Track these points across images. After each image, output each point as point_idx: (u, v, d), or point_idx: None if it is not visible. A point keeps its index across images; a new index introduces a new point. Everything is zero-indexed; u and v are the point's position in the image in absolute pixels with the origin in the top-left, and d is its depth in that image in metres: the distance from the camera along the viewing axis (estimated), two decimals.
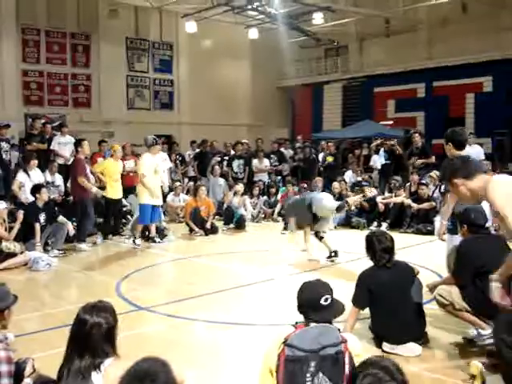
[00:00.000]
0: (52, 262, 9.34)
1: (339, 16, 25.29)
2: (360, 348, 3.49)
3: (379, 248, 5.17)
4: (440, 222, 4.08)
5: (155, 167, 11.22)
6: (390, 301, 4.97)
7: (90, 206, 11.08)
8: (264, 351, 3.49)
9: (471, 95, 22.55)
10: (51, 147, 13.95)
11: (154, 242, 11.38)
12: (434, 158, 13.72)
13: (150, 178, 11.09)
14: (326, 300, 3.50)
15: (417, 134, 14.28)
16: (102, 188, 11.60)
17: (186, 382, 3.32)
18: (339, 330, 3.49)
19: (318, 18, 24.94)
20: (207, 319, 6.37)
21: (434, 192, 13.02)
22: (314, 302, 3.50)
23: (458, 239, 5.79)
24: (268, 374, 3.36)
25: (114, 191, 11.64)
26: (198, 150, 17.77)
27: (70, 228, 10.59)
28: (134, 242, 11.14)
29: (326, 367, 3.22)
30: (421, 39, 24.80)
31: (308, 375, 3.21)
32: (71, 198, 12.37)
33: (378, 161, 16.48)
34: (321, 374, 3.21)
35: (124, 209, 12.98)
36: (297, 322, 3.52)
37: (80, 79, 23.39)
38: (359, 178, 16.07)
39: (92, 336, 3.11)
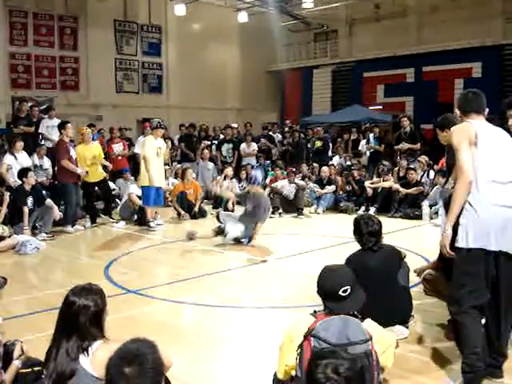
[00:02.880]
0: (40, 246, 9.30)
1: (329, 0, 25.20)
2: (390, 337, 3.53)
3: (366, 231, 5.19)
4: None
5: (157, 150, 11.14)
6: (377, 284, 4.99)
7: (72, 189, 11.02)
8: (288, 333, 3.40)
9: (460, 80, 22.57)
10: (39, 130, 13.82)
11: (149, 226, 11.25)
12: (419, 144, 13.79)
13: (153, 160, 11.04)
14: (345, 291, 3.42)
15: (405, 119, 14.29)
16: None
17: (174, 365, 3.34)
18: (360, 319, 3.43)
19: (307, 2, 24.94)
20: (196, 302, 6.40)
21: (422, 177, 13.09)
22: (332, 292, 3.41)
23: None
24: (294, 353, 3.28)
25: (91, 174, 11.52)
26: (182, 133, 17.71)
27: (56, 211, 10.56)
28: (148, 225, 11.15)
29: (359, 368, 3.19)
30: (410, 24, 24.80)
31: None
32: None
33: (366, 146, 16.52)
34: None
35: (113, 192, 12.93)
36: (315, 311, 3.45)
37: (68, 62, 23.25)
38: (348, 163, 16.11)
39: (80, 318, 3.11)
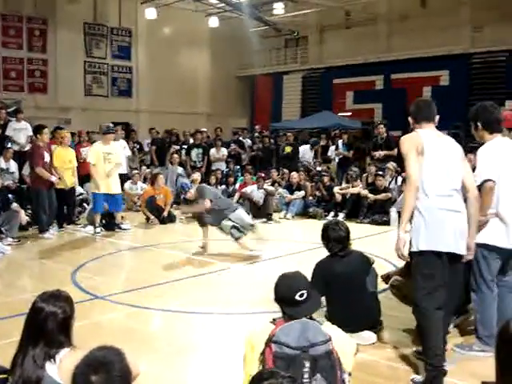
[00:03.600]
0: (6, 251, 9.17)
1: (300, 6, 25.37)
2: (349, 340, 3.53)
3: (333, 237, 5.24)
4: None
5: (105, 156, 11.02)
6: (345, 290, 5.03)
7: (44, 196, 10.81)
8: (249, 341, 3.39)
9: (428, 88, 22.86)
10: (6, 133, 13.64)
11: (120, 228, 11.36)
12: (396, 150, 13.81)
13: (99, 167, 10.96)
14: (301, 295, 3.42)
15: (381, 126, 14.32)
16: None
17: (142, 372, 3.30)
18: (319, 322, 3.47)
19: (278, 8, 25.03)
20: (164, 308, 6.36)
21: (390, 183, 13.20)
22: (289, 297, 3.42)
23: None
24: (256, 361, 3.28)
25: (65, 179, 11.34)
26: (152, 137, 17.63)
27: (23, 216, 10.40)
28: (94, 231, 11.00)
29: (323, 368, 3.20)
30: (380, 32, 25.06)
31: (306, 376, 3.16)
32: (25, 185, 12.16)
33: (335, 152, 16.61)
34: (319, 376, 3.17)
35: (80, 197, 12.78)
36: (274, 319, 3.45)
37: (36, 64, 23.03)
38: (319, 169, 16.17)
39: (47, 325, 3.07)
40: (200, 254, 9.25)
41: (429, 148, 4.23)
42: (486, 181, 4.55)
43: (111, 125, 11.64)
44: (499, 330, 2.54)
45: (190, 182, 13.78)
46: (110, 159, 11.10)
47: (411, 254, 4.28)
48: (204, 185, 10.16)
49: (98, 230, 11.05)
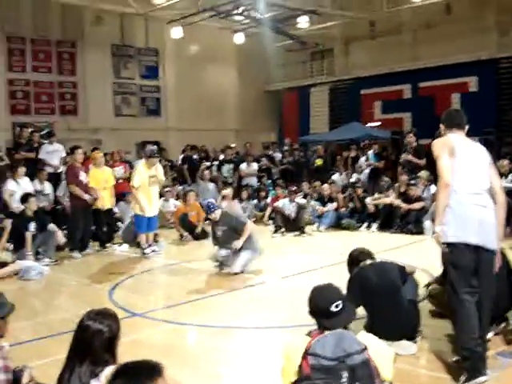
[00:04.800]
0: (44, 271, 9.29)
1: (324, 19, 25.36)
2: (387, 348, 3.55)
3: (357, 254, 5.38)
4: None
5: (149, 180, 10.93)
6: (380, 298, 5.01)
7: (79, 214, 10.99)
8: (286, 355, 3.43)
9: (457, 95, 22.65)
10: (39, 156, 13.88)
11: (144, 253, 10.92)
12: (424, 160, 13.65)
13: (144, 190, 10.87)
14: (336, 306, 3.47)
15: (411, 134, 14.23)
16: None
17: None
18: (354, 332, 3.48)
19: (303, 22, 25.07)
20: (202, 323, 6.38)
21: (423, 192, 13.09)
22: (324, 309, 3.46)
23: None
24: (294, 375, 3.31)
25: (101, 200, 11.41)
26: (184, 155, 17.82)
27: (60, 236, 10.56)
28: (143, 252, 10.88)
29: (361, 378, 3.21)
30: (405, 41, 24.92)
31: None
32: (60, 206, 12.35)
33: (365, 163, 16.55)
34: None
35: (114, 215, 12.93)
36: (310, 331, 3.48)
37: (66, 87, 23.34)
38: (352, 180, 16.07)
39: (93, 343, 3.11)
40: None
41: (460, 150, 4.47)
42: None
43: (155, 147, 11.66)
44: None
45: (222, 198, 13.87)
46: (154, 182, 11.05)
47: (443, 244, 4.42)
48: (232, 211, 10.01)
49: (148, 250, 10.90)
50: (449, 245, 4.37)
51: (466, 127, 4.73)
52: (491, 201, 4.48)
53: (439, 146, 4.54)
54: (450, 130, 4.69)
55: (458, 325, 4.42)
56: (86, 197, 10.93)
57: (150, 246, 11.09)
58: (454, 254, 4.35)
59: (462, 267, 4.33)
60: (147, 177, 10.93)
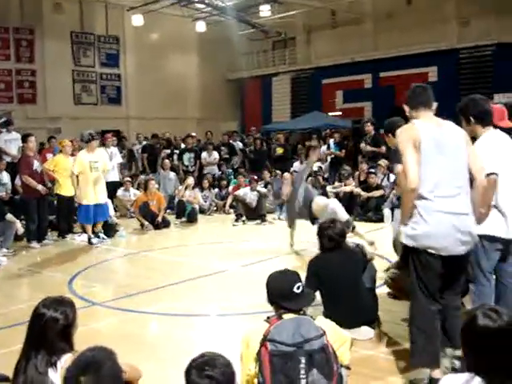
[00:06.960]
0: (1, 262, 9.18)
1: (286, 8, 25.40)
2: (344, 333, 3.59)
3: (327, 234, 5.30)
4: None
5: (91, 165, 10.75)
6: (340, 285, 5.06)
7: (33, 205, 10.73)
8: (244, 341, 3.44)
9: None
10: None
11: (98, 237, 10.98)
12: (384, 148, 13.81)
13: (87, 176, 10.69)
14: (298, 288, 3.50)
15: (369, 124, 14.36)
16: (53, 185, 11.36)
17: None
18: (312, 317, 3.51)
19: (265, 11, 25.02)
20: (161, 312, 6.38)
21: (382, 180, 13.25)
22: (286, 291, 3.48)
23: None
24: (253, 361, 3.33)
25: (67, 188, 11.19)
26: (144, 143, 17.69)
27: (19, 226, 10.38)
28: (89, 242, 10.80)
29: (319, 363, 3.24)
30: (367, 31, 25.09)
31: (302, 372, 3.21)
32: (18, 195, 12.15)
33: (326, 151, 16.65)
34: (315, 371, 3.23)
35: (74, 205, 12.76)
36: (268, 317, 3.49)
37: (25, 75, 22.97)
38: (315, 169, 16.13)
39: (48, 331, 3.06)
40: (196, 257, 9.27)
41: (427, 142, 4.00)
42: (489, 174, 4.33)
43: (93, 132, 11.41)
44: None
45: (185, 188, 13.81)
46: (96, 168, 10.85)
47: (406, 247, 4.18)
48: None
49: (95, 240, 10.84)
50: (413, 248, 4.10)
51: (435, 105, 4.26)
52: (468, 202, 4.08)
53: (404, 139, 4.07)
54: (415, 111, 4.22)
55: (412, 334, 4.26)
56: (40, 187, 10.63)
57: (97, 235, 10.97)
58: (417, 258, 4.08)
59: (425, 271, 4.08)
60: (88, 162, 10.74)
